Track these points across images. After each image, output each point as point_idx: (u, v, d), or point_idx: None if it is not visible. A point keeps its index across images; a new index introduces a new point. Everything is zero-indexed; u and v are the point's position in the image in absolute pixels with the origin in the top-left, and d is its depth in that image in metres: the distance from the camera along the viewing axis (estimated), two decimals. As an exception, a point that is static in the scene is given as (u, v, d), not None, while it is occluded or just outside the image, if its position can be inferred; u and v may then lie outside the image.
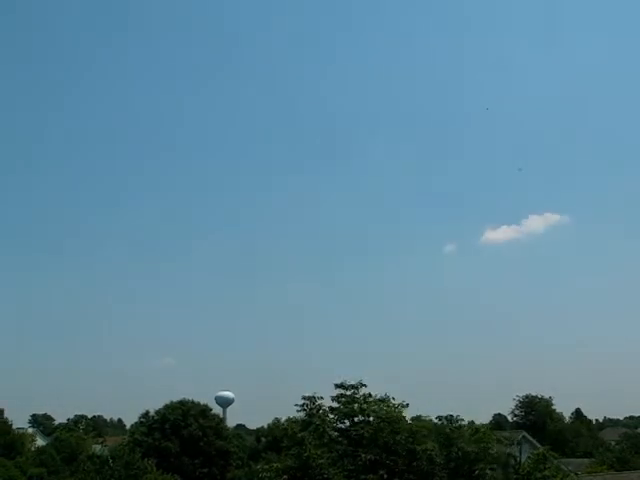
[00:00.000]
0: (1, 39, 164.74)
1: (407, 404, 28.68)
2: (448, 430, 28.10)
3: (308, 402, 28.16)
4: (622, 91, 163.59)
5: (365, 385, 28.36)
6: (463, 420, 29.22)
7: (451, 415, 29.13)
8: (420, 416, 29.91)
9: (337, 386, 28.41)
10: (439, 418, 29.20)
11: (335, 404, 28.41)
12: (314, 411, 28.18)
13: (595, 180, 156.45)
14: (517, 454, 30.19)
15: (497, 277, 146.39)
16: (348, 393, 28.27)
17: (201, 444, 56.48)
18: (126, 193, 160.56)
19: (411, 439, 26.54)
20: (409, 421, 29.04)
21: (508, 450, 28.92)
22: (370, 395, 28.35)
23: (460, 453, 26.90)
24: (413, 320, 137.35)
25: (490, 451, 27.40)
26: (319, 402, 28.28)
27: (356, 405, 28.06)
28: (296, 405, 28.41)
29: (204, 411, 60.07)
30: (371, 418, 27.73)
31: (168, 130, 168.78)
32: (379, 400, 28.39)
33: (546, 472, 27.33)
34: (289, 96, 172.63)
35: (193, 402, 60.24)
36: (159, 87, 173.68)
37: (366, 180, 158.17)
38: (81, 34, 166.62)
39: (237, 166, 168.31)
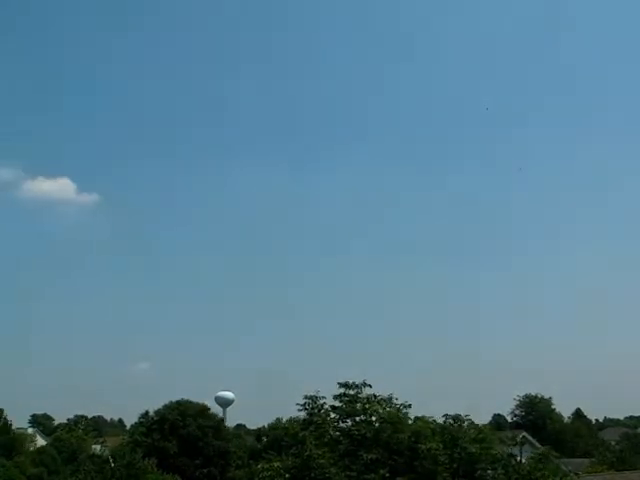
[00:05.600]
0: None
1: (410, 404, 28.67)
2: (453, 430, 28.02)
3: (309, 401, 28.10)
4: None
5: (370, 385, 28.27)
6: (470, 419, 29.21)
7: (458, 414, 29.06)
8: (423, 416, 29.74)
9: (340, 385, 28.31)
10: (445, 417, 29.10)
11: (337, 403, 28.35)
12: (315, 410, 28.11)
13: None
14: (517, 454, 30.14)
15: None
16: (351, 392, 28.19)
17: (200, 444, 56.51)
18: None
19: (414, 438, 26.52)
20: (412, 421, 28.96)
21: (510, 450, 28.88)
22: (375, 396, 28.25)
23: (463, 453, 26.88)
24: (412, 319, 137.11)
25: (492, 451, 27.38)
26: (321, 401, 28.23)
27: (359, 405, 27.98)
28: (297, 404, 28.38)
29: (202, 411, 60.11)
30: (373, 418, 27.69)
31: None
32: (382, 400, 28.31)
33: (545, 471, 27.31)
34: None
35: (191, 402, 60.32)
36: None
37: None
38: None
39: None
